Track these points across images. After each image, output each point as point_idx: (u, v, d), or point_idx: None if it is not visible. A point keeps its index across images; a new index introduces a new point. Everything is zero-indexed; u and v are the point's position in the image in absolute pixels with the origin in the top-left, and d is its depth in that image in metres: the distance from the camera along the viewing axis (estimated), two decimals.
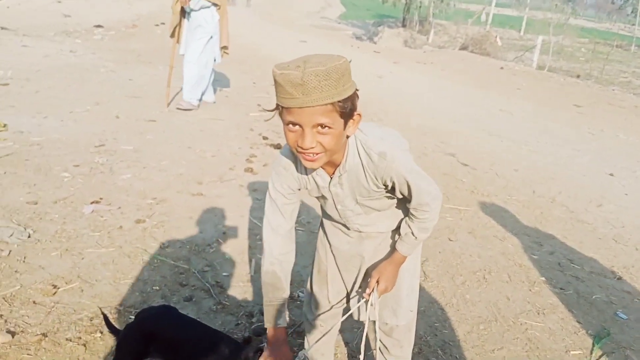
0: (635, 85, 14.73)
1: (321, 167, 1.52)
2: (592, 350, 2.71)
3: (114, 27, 13.57)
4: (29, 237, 3.12)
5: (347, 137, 1.47)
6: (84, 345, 2.30)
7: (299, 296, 2.85)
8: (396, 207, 1.73)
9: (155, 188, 4.09)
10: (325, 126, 1.34)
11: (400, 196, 1.61)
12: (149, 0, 18.34)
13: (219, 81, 8.15)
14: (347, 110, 1.35)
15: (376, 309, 1.72)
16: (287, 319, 2.60)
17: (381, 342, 1.95)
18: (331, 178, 1.59)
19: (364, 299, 1.75)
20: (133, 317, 2.45)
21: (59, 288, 2.68)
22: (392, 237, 1.79)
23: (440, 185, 4.79)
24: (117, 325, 2.12)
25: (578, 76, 14.26)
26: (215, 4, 6.15)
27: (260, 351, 1.51)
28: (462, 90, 10.53)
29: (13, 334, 2.31)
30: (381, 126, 1.68)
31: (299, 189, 1.66)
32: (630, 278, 3.56)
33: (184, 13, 6.20)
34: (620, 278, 3.54)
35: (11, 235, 3.07)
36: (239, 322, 2.60)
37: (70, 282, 2.75)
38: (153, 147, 4.99)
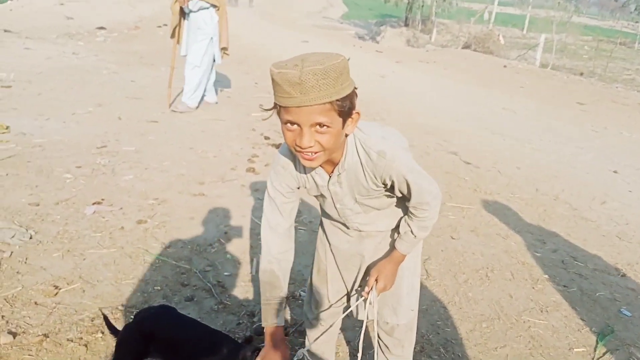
0: (638, 82, 14.67)
1: (320, 165, 1.51)
2: (595, 347, 2.69)
3: (117, 29, 13.61)
4: (30, 238, 3.13)
5: (346, 135, 1.46)
6: (86, 345, 2.30)
7: (300, 295, 2.85)
8: (396, 205, 1.71)
9: (157, 189, 4.09)
10: (324, 125, 1.33)
11: (400, 195, 1.60)
12: (151, 2, 18.38)
13: (221, 82, 8.16)
14: (346, 109, 1.34)
15: (375, 308, 1.71)
16: (288, 317, 2.60)
17: (382, 341, 1.94)
18: (330, 177, 1.58)
19: (363, 298, 1.74)
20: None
21: (60, 289, 2.68)
22: (392, 236, 1.77)
23: (442, 183, 4.82)
24: (118, 326, 2.12)
25: (581, 74, 14.21)
26: (214, 5, 6.14)
27: (258, 350, 1.51)
28: (465, 89, 10.50)
29: (14, 334, 2.31)
30: (380, 125, 1.67)
31: (298, 188, 1.65)
32: (634, 275, 3.54)
33: (183, 14, 6.21)
34: (624, 275, 3.52)
35: (13, 236, 3.08)
36: (241, 321, 2.60)
37: (71, 282, 2.75)
38: (155, 148, 5.00)
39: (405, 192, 1.56)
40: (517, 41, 23.23)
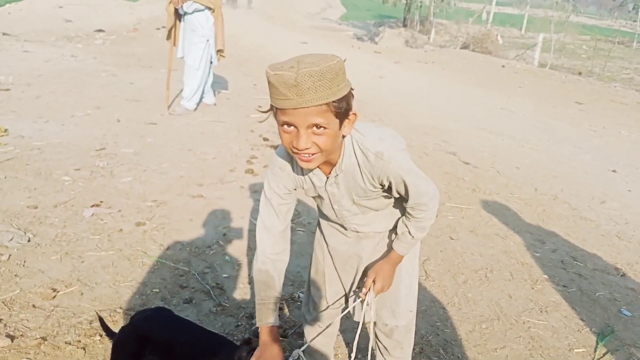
0: (637, 81, 14.66)
1: (317, 166, 1.51)
2: (596, 348, 2.69)
3: (115, 31, 13.61)
4: (28, 241, 3.12)
5: (343, 137, 1.46)
6: (84, 348, 2.30)
7: (299, 297, 2.84)
8: (393, 206, 1.71)
9: (156, 191, 4.08)
10: (321, 126, 1.32)
11: (397, 196, 1.60)
12: (150, 5, 18.39)
13: (220, 83, 8.16)
14: (342, 110, 1.34)
15: (372, 309, 1.70)
16: (287, 319, 2.60)
17: (381, 343, 1.94)
18: (327, 178, 1.58)
19: (360, 299, 1.74)
20: None
21: (58, 292, 2.68)
22: (390, 237, 1.77)
23: (441, 183, 4.81)
24: (117, 329, 2.11)
25: (580, 73, 14.20)
26: (209, 7, 6.13)
27: (253, 350, 1.50)
28: (463, 89, 10.51)
29: (12, 337, 2.30)
30: (378, 125, 1.66)
31: (295, 189, 1.65)
32: (634, 275, 3.53)
33: (179, 15, 6.19)
34: (624, 275, 3.51)
35: (11, 239, 3.07)
36: (239, 323, 2.59)
37: (70, 285, 2.75)
38: (153, 150, 4.99)
39: (402, 193, 1.55)
40: (516, 41, 23.24)
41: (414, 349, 2.03)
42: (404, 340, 1.93)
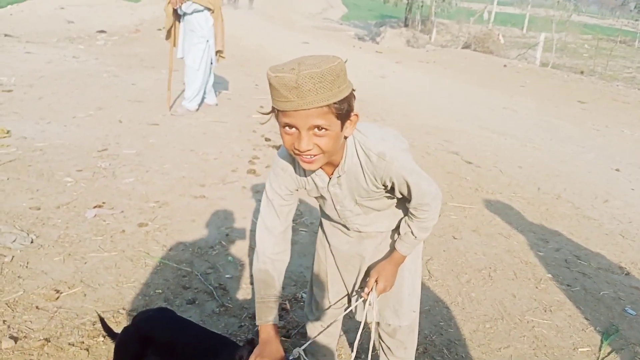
0: (639, 80, 14.63)
1: (320, 167, 1.50)
2: (600, 347, 2.68)
3: (117, 32, 13.63)
4: (31, 242, 3.12)
5: (345, 137, 1.45)
6: (87, 349, 2.29)
7: (301, 297, 2.84)
8: (396, 206, 1.71)
9: (158, 191, 4.08)
10: (322, 128, 1.32)
11: (400, 196, 1.60)
12: (151, 5, 18.42)
13: (221, 83, 8.16)
14: (344, 111, 1.33)
15: (374, 309, 1.70)
16: (290, 319, 2.59)
17: (384, 343, 1.93)
18: (330, 178, 1.57)
19: (363, 299, 1.73)
20: None
21: (61, 293, 2.67)
22: (392, 237, 1.77)
23: (444, 183, 4.80)
24: (119, 330, 2.11)
25: (582, 72, 14.18)
26: (208, 8, 6.12)
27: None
28: (465, 89, 10.49)
29: (16, 339, 2.30)
30: (380, 126, 1.66)
31: (297, 190, 1.64)
32: (638, 273, 3.52)
33: (178, 16, 6.19)
34: (628, 274, 3.50)
35: (14, 240, 3.07)
36: (242, 324, 2.59)
37: (72, 286, 2.75)
38: (156, 151, 4.99)
39: (405, 193, 1.55)
40: (517, 40, 23.21)
41: (417, 349, 2.02)
42: (407, 340, 1.92)
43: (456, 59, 14.48)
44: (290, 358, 1.51)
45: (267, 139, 5.71)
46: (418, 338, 2.00)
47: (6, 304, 2.54)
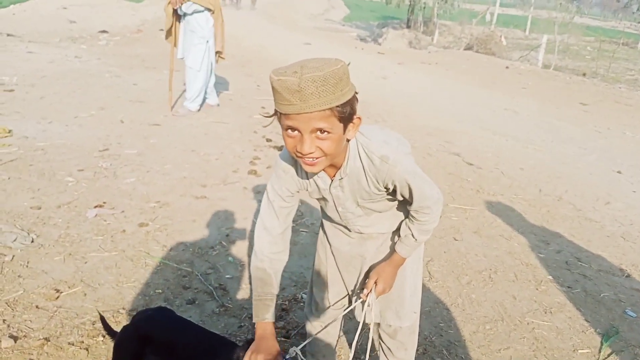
0: None
1: (322, 169, 1.50)
2: (600, 349, 2.67)
3: (119, 32, 13.64)
4: (32, 241, 3.12)
5: (348, 140, 1.45)
6: (87, 349, 2.30)
7: (302, 298, 2.84)
8: (397, 208, 1.71)
9: (159, 192, 4.08)
10: (324, 131, 1.32)
11: (401, 199, 1.60)
12: (153, 6, 18.44)
13: (223, 84, 8.17)
14: (346, 114, 1.33)
15: (373, 310, 1.70)
16: (291, 320, 2.59)
17: (385, 344, 1.93)
18: (332, 180, 1.57)
19: (361, 300, 1.73)
20: None
21: (61, 292, 2.68)
22: (393, 238, 1.77)
23: (445, 184, 4.80)
24: (119, 329, 2.11)
25: (584, 74, 14.15)
26: (208, 9, 6.12)
27: None
28: (467, 90, 10.48)
29: (16, 338, 2.30)
30: (383, 128, 1.66)
31: (298, 192, 1.65)
32: (639, 275, 3.51)
33: (178, 16, 6.18)
34: (628, 276, 3.49)
35: (15, 240, 3.08)
36: (242, 324, 2.59)
37: (73, 286, 2.75)
38: (157, 151, 5.00)
39: (407, 196, 1.55)
40: (519, 42, 23.18)
41: (417, 350, 2.02)
42: (407, 341, 1.92)
43: (458, 61, 14.47)
44: (287, 357, 1.51)
45: (268, 140, 5.71)
46: (418, 339, 1.99)
47: (6, 303, 2.54)
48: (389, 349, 1.93)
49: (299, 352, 1.51)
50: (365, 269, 1.81)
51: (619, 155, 6.59)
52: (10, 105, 5.96)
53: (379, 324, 1.91)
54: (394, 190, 1.55)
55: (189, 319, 1.82)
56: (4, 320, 2.42)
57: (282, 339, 2.50)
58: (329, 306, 1.92)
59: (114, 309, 2.61)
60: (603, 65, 16.11)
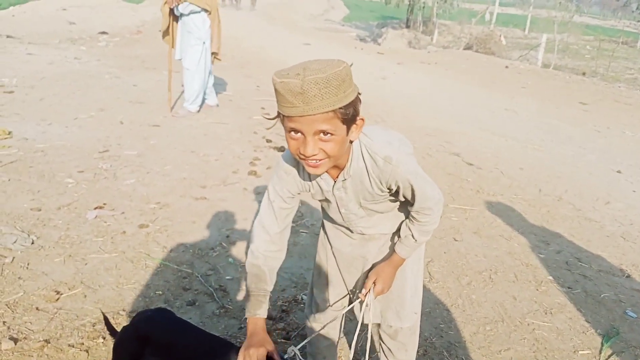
0: None
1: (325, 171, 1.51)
2: (601, 349, 2.67)
3: (119, 33, 13.64)
4: (32, 243, 3.12)
5: (351, 142, 1.45)
6: (87, 351, 2.30)
7: (302, 299, 2.84)
8: (399, 209, 1.71)
9: (159, 193, 4.08)
10: (328, 133, 1.31)
11: (403, 199, 1.60)
12: (153, 7, 18.42)
13: (222, 85, 8.17)
14: (349, 116, 1.33)
15: (371, 311, 1.70)
16: (291, 321, 2.59)
17: (386, 345, 1.93)
18: (335, 182, 1.57)
19: (359, 300, 1.73)
20: None
21: (62, 294, 2.68)
22: (394, 238, 1.77)
23: (445, 185, 4.80)
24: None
25: (584, 74, 14.15)
26: (205, 9, 6.10)
27: None
28: (467, 90, 10.48)
29: (16, 340, 2.30)
30: (385, 129, 1.66)
31: (299, 193, 1.64)
32: (639, 276, 3.51)
33: (175, 17, 6.17)
34: (629, 276, 3.49)
35: (15, 241, 3.08)
36: (242, 325, 2.59)
37: (73, 288, 2.75)
38: (157, 152, 5.00)
39: (409, 197, 1.56)
40: (519, 41, 23.18)
41: (417, 352, 2.02)
42: (408, 342, 1.92)
43: (458, 60, 14.47)
44: (286, 357, 1.51)
45: (268, 141, 5.71)
46: (418, 340, 1.99)
47: (6, 305, 2.54)
48: (390, 349, 1.93)
49: (297, 352, 1.51)
50: (367, 269, 1.81)
51: (619, 155, 6.59)
52: (10, 107, 5.96)
53: (379, 325, 1.91)
54: (397, 191, 1.55)
55: (189, 320, 1.82)
56: (4, 322, 2.42)
57: (283, 340, 2.50)
58: (330, 307, 1.92)
59: (114, 310, 2.61)
60: (602, 64, 16.11)
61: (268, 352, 1.49)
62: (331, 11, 37.67)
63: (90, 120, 5.79)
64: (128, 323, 1.78)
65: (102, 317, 2.47)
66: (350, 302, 1.91)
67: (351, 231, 1.76)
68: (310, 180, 1.60)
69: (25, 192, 3.81)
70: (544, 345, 2.68)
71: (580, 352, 2.65)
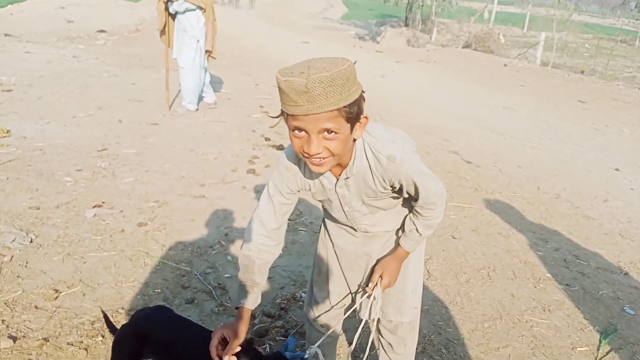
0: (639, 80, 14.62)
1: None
2: (599, 346, 2.68)
3: (117, 32, 13.63)
4: (31, 242, 3.12)
5: (355, 140, 1.45)
6: (86, 349, 2.30)
7: (301, 297, 2.84)
8: (402, 205, 1.72)
9: (157, 191, 4.08)
10: (332, 131, 1.31)
11: (407, 196, 1.61)
12: (151, 5, 18.36)
13: (221, 83, 8.17)
14: (354, 114, 1.33)
15: (378, 304, 1.70)
16: (290, 319, 2.59)
17: (385, 340, 1.94)
18: (337, 180, 1.57)
19: (367, 294, 1.74)
20: None
21: (60, 292, 2.68)
22: (398, 234, 1.77)
23: (443, 183, 4.76)
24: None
25: (582, 72, 14.16)
26: (200, 7, 6.09)
27: (253, 351, 1.50)
28: (465, 88, 10.49)
29: (15, 339, 2.30)
30: (388, 127, 1.66)
31: (299, 190, 1.64)
32: (637, 273, 3.52)
33: (171, 15, 6.16)
34: (626, 273, 3.50)
35: (13, 240, 3.08)
36: None
37: (72, 286, 2.75)
38: (155, 151, 5.00)
39: (412, 194, 1.56)
40: (518, 40, 23.20)
41: (416, 348, 2.03)
42: (408, 337, 1.93)
43: (456, 59, 14.48)
44: (306, 356, 1.51)
45: (267, 139, 5.71)
46: (417, 336, 2.00)
47: (5, 303, 2.54)
48: (390, 344, 1.94)
49: (319, 351, 1.51)
50: (371, 266, 1.81)
51: (617, 153, 6.60)
52: (8, 106, 5.95)
53: (379, 320, 1.91)
54: (400, 189, 1.56)
55: (188, 318, 1.82)
56: (3, 321, 2.41)
57: (281, 337, 2.50)
58: (331, 306, 1.92)
59: (113, 308, 2.61)
60: (601, 63, 16.13)
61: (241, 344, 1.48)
62: (330, 10, 37.68)
63: (88, 119, 5.79)
64: (127, 321, 1.78)
65: (101, 315, 2.47)
66: (352, 300, 1.92)
67: (354, 229, 1.76)
68: (312, 179, 1.60)
69: (23, 190, 3.81)
70: (542, 342, 2.68)
71: (578, 349, 2.65)
